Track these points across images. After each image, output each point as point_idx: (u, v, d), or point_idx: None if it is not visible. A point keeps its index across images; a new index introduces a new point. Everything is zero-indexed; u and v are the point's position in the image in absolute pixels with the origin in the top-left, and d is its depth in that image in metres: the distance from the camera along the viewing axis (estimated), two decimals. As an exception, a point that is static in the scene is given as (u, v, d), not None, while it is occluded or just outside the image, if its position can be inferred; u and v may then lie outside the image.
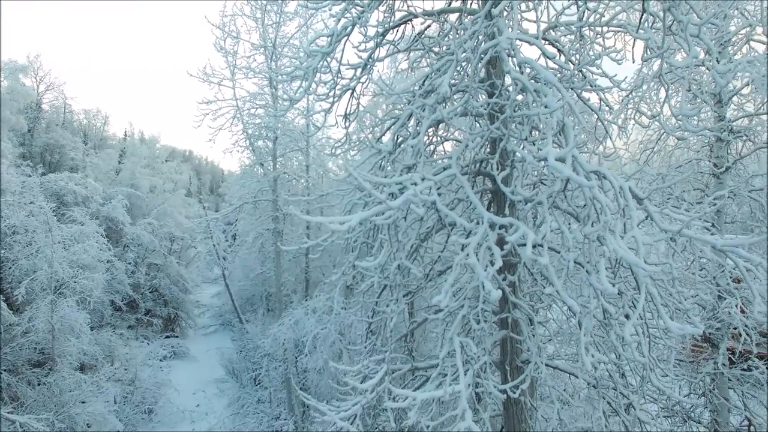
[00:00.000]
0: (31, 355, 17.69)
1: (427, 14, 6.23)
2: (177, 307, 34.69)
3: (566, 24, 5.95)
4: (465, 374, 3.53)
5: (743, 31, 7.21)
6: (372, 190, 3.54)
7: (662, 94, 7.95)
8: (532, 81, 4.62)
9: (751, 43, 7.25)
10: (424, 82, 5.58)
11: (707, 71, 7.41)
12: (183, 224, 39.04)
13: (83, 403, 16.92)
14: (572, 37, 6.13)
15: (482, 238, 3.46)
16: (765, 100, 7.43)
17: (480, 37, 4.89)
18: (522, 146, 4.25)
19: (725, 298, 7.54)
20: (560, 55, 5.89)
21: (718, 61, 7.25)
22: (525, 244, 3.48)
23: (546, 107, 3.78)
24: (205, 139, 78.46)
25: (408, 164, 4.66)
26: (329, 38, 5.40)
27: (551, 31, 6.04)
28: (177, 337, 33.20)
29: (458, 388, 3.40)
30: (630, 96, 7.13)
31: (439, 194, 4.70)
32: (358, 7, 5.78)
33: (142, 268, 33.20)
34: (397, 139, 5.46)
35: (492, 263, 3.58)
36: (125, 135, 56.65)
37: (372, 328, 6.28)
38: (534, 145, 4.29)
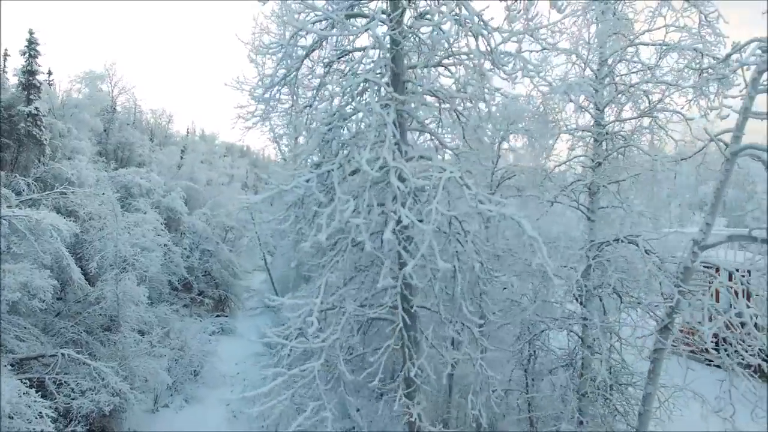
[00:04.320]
0: (102, 320, 21.50)
1: (357, 50, 8.40)
2: (227, 290, 38.48)
3: (455, 54, 7.94)
4: (320, 294, 5.73)
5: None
6: (272, 180, 5.81)
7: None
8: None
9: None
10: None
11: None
12: (236, 215, 42.83)
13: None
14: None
15: (333, 208, 5.64)
16: (637, 107, 9.03)
17: (378, 70, 7.08)
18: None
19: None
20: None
21: (596, 77, 8.90)
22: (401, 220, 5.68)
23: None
24: (237, 138, 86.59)
25: (317, 163, 6.89)
26: (270, 78, 7.72)
27: (447, 59, 8.03)
28: (227, 316, 36.80)
29: (316, 301, 5.61)
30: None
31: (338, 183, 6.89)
32: (301, 50, 8.05)
33: (196, 253, 37.09)
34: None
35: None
36: (187, 132, 61.69)
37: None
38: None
